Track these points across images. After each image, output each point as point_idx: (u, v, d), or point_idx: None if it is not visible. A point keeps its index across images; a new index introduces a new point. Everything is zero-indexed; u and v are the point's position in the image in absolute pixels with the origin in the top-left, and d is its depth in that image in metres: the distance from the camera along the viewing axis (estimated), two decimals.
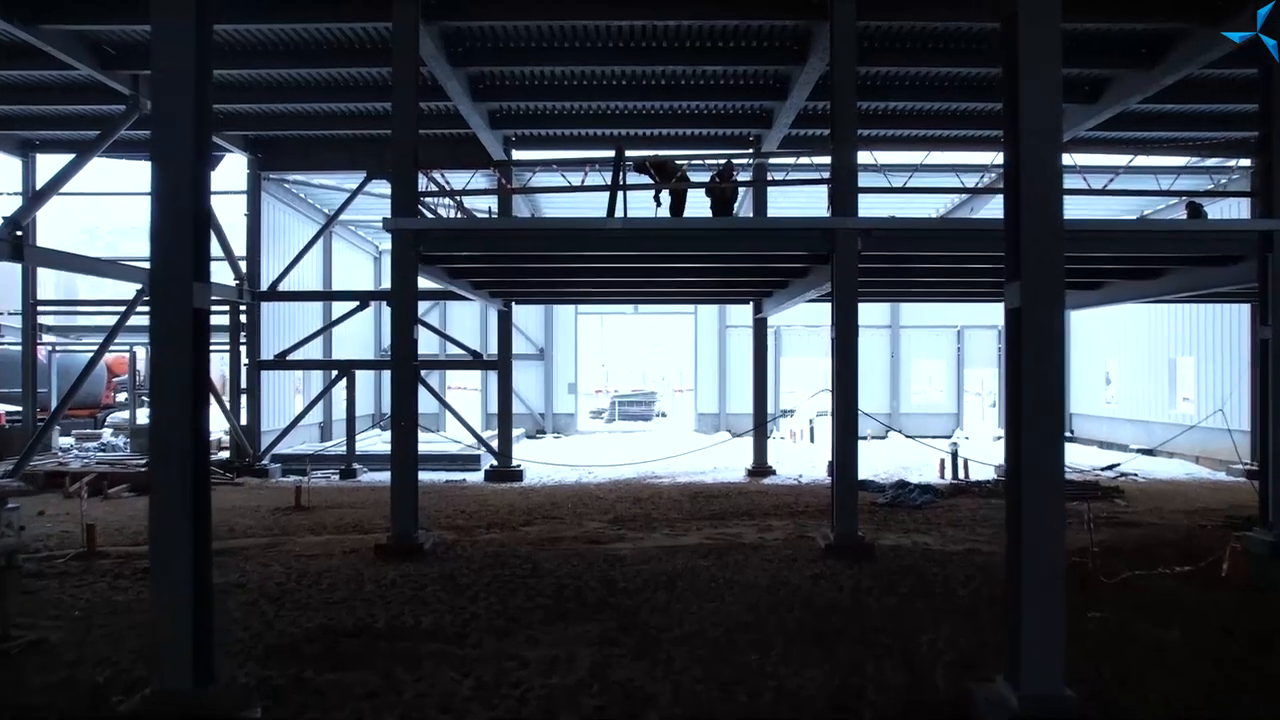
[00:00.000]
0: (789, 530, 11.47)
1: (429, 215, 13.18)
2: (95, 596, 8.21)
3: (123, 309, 15.39)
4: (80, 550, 9.89)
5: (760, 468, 17.64)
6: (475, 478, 17.67)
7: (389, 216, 9.95)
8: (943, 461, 17.79)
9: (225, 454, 18.53)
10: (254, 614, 7.57)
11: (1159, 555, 9.76)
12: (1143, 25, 11.87)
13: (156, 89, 5.24)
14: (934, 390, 30.54)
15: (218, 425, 22.21)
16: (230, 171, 19.27)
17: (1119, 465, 17.95)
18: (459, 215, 13.37)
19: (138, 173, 23.23)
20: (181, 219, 5.14)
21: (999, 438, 26.16)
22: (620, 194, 10.75)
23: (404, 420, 10.04)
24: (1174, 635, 7.02)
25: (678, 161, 12.67)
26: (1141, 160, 16.68)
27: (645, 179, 12.31)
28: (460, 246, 10.81)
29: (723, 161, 13.06)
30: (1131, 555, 9.83)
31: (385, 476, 16.68)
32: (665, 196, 12.35)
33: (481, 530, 11.65)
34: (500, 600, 7.98)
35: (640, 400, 33.76)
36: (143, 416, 20.84)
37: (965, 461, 17.64)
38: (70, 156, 14.82)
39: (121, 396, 24.69)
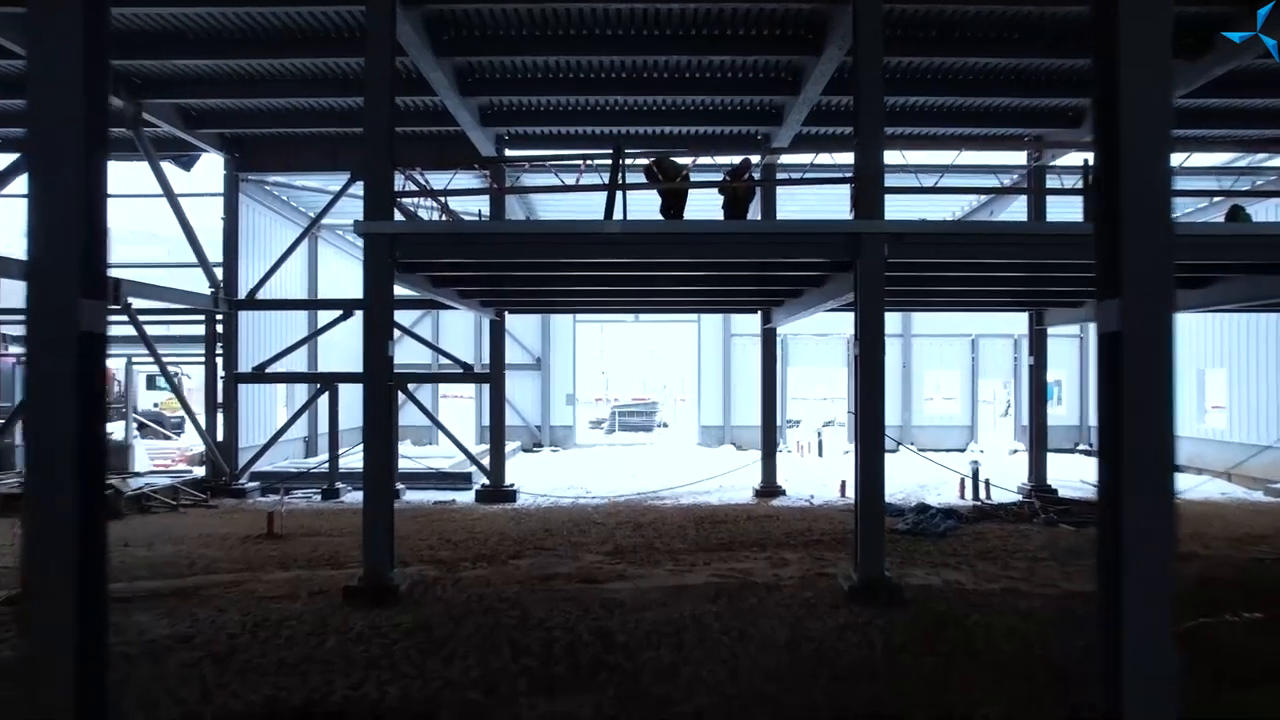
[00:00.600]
0: (805, 565, 10.40)
1: (412, 218, 12.17)
2: (15, 655, 7.15)
3: None
4: (13, 593, 8.81)
5: (769, 487, 16.57)
6: (466, 498, 16.63)
7: (359, 220, 8.90)
8: (963, 481, 16.74)
9: (202, 470, 17.45)
10: (193, 680, 6.50)
11: (1220, 598, 8.70)
12: (1193, 9, 10.85)
13: (33, 64, 4.20)
14: (947, 400, 29.47)
15: (193, 441, 21.18)
16: (208, 172, 18.15)
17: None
18: (444, 218, 12.32)
19: (126, 174, 22.17)
20: (66, 222, 4.09)
21: (1015, 451, 25.09)
22: (619, 196, 9.69)
23: (377, 445, 8.96)
24: (1270, 704, 5.98)
25: (680, 161, 11.65)
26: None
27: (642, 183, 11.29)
28: (441, 252, 9.77)
29: (738, 159, 12.02)
30: (1189, 598, 8.74)
31: None
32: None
33: (467, 564, 10.58)
34: (479, 661, 6.91)
35: (641, 411, 32.73)
36: (114, 431, 19.80)
37: (986, 482, 16.60)
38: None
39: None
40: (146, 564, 10.52)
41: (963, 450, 25.48)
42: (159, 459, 22.87)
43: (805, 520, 13.76)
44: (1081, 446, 25.60)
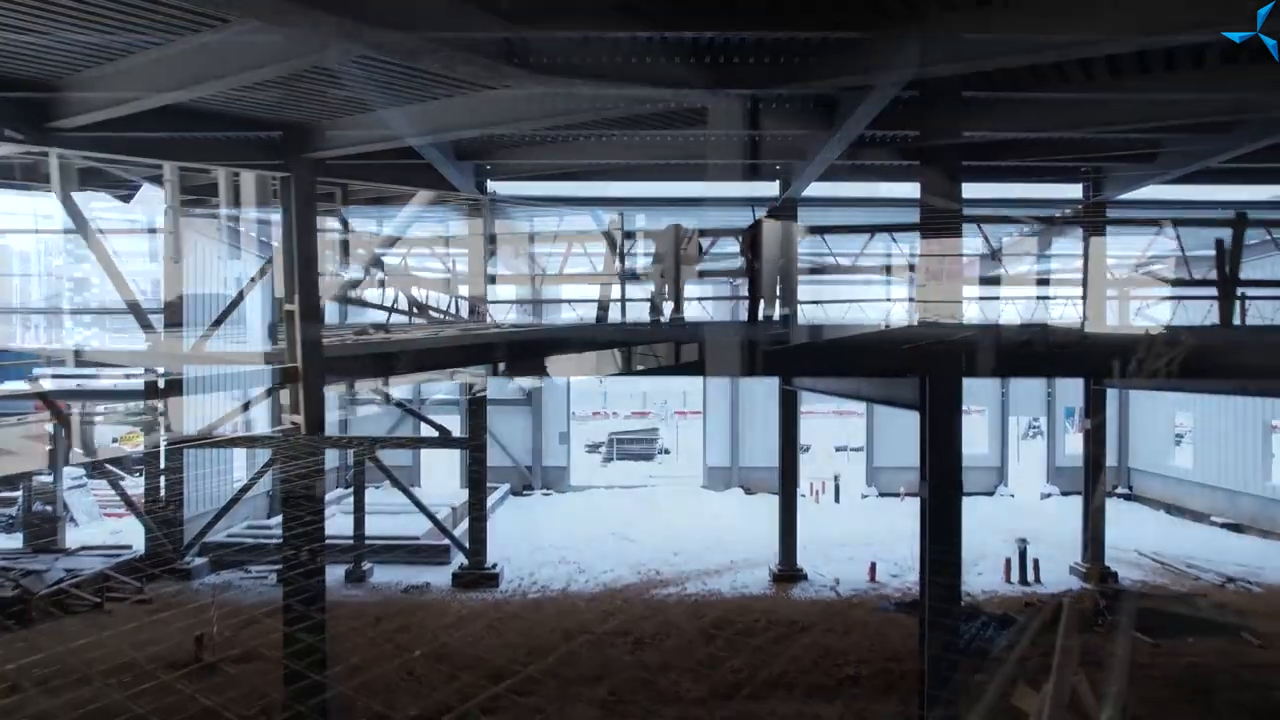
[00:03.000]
0: None
1: None
2: None
3: None
4: None
5: (788, 570, 14.51)
6: (442, 578, 14.58)
7: None
8: (1008, 562, 14.76)
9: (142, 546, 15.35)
10: None
11: None
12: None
13: None
14: (975, 439, 27.25)
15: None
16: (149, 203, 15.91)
17: (1241, 582, 14.75)
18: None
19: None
20: None
21: (1048, 495, 23.06)
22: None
23: None
24: None
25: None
26: None
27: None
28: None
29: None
30: None
31: (338, 573, 13.79)
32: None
33: None
34: None
35: (640, 438, 30.76)
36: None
37: (1035, 562, 14.62)
38: None
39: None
40: None
41: (990, 494, 23.50)
42: (111, 508, 20.83)
43: (835, 630, 11.77)
44: (1120, 490, 23.56)
